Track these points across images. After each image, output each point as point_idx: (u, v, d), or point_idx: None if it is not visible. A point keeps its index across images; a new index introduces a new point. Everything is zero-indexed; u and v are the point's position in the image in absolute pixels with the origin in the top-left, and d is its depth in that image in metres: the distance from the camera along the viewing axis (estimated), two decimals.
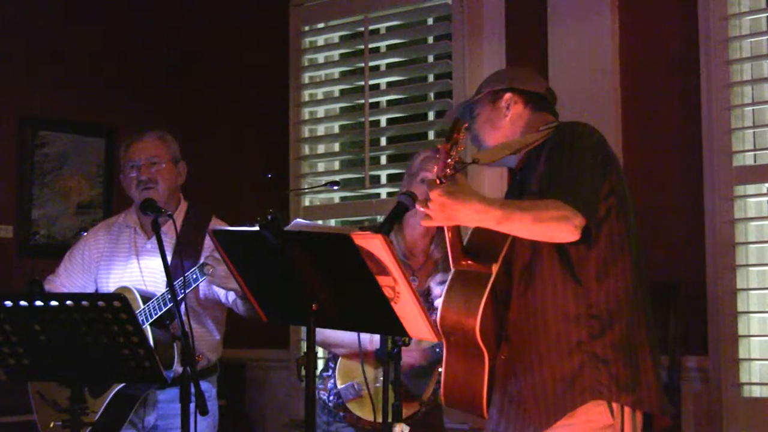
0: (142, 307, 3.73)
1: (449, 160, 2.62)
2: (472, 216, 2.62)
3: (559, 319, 2.76)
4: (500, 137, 2.97)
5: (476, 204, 2.60)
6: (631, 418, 2.76)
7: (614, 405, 2.74)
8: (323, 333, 3.62)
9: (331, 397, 3.72)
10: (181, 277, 3.62)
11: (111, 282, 3.94)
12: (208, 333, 3.95)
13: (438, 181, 2.61)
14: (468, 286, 2.75)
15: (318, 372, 3.84)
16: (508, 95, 2.98)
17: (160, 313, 3.69)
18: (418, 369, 3.63)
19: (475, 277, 2.75)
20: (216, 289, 3.84)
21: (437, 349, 3.58)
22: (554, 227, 2.65)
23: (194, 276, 3.65)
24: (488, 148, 2.97)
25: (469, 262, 2.77)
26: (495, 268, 2.74)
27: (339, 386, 3.68)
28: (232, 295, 3.81)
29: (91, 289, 3.99)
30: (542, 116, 2.99)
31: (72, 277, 4.02)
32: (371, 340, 3.48)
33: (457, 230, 2.77)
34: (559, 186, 2.70)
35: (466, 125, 2.76)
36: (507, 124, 2.97)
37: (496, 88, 3.00)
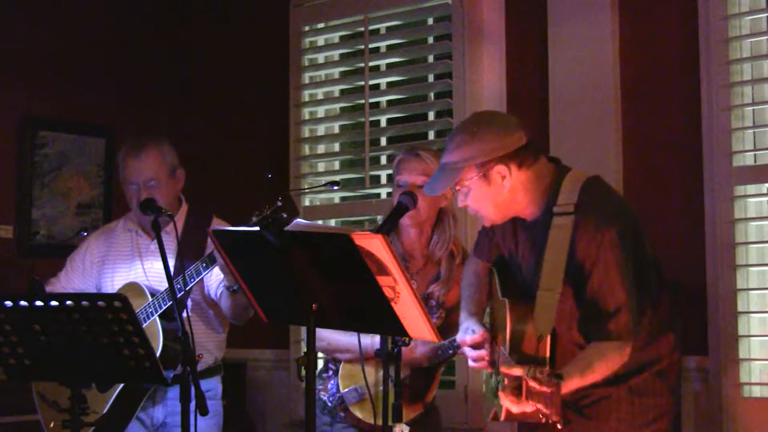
0: (151, 299, 3.75)
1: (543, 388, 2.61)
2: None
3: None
4: (504, 208, 2.94)
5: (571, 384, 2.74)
6: None
7: None
8: (329, 339, 3.63)
9: (331, 398, 3.72)
10: (187, 273, 3.65)
11: (116, 284, 3.96)
12: (213, 329, 3.97)
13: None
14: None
15: (317, 372, 3.84)
16: (499, 167, 2.88)
17: (168, 304, 3.71)
18: (422, 371, 3.63)
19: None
20: (206, 282, 3.87)
21: (439, 351, 3.58)
22: (612, 368, 2.82)
23: (204, 264, 3.67)
24: (494, 217, 2.98)
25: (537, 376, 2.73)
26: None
27: (342, 390, 3.68)
28: (220, 288, 3.83)
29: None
30: (537, 164, 2.94)
31: (72, 282, 4.03)
32: (372, 344, 3.47)
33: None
34: (606, 317, 2.79)
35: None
36: (508, 195, 2.91)
37: (481, 161, 2.87)
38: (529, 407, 2.59)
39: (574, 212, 2.85)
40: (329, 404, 3.72)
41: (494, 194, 2.90)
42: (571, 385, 2.74)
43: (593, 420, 2.89)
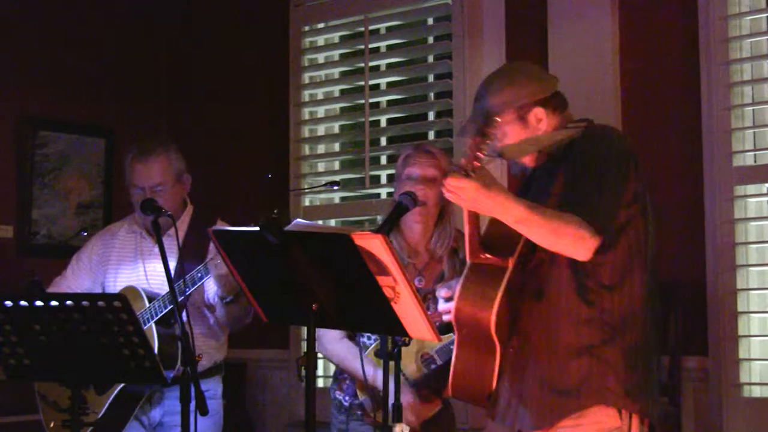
0: (148, 305, 3.75)
1: (479, 153, 2.66)
2: (495, 208, 2.69)
3: (571, 320, 2.78)
4: (535, 150, 2.93)
5: (501, 197, 2.67)
6: (638, 424, 2.80)
7: (623, 411, 2.78)
8: (339, 357, 3.69)
9: (347, 397, 3.72)
10: (186, 276, 3.65)
11: (118, 285, 3.95)
12: (212, 333, 3.97)
13: (465, 173, 2.65)
14: (484, 279, 2.77)
15: (333, 372, 3.86)
16: (537, 111, 2.91)
17: (164, 311, 3.71)
18: (438, 368, 3.64)
19: (492, 270, 2.77)
20: (206, 286, 3.87)
21: (450, 347, 3.58)
22: (568, 243, 2.71)
23: (199, 274, 3.67)
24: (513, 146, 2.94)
25: (487, 255, 2.78)
26: (511, 262, 2.76)
27: (361, 398, 3.69)
28: (216, 296, 3.83)
29: (97, 292, 3.99)
30: (566, 110, 2.97)
31: (79, 279, 4.03)
32: (374, 378, 3.50)
33: (475, 223, 2.79)
34: (581, 200, 2.73)
35: (500, 119, 2.77)
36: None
37: (521, 104, 2.90)
38: (473, 183, 2.63)
39: (583, 128, 2.89)
40: (345, 404, 3.73)
41: (530, 135, 2.92)
42: (518, 208, 2.67)
43: (582, 399, 2.78)
